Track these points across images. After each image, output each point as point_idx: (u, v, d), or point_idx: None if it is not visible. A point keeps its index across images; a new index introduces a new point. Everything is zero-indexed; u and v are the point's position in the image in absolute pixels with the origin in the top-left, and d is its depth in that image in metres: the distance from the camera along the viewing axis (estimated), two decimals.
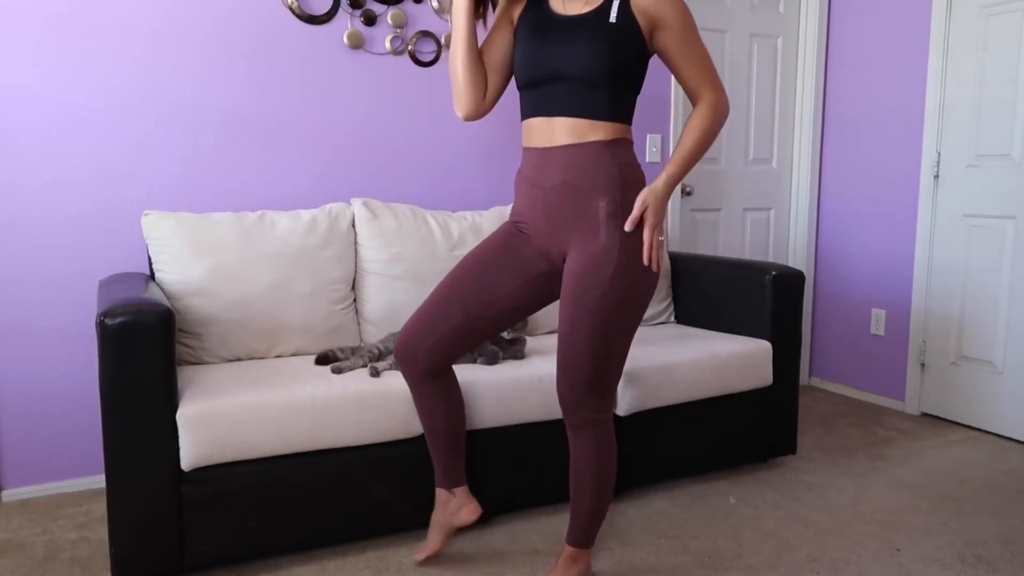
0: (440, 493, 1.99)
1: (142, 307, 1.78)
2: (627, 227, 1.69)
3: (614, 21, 1.65)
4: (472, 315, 1.81)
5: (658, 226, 1.71)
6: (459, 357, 1.88)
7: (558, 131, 1.71)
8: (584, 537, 1.83)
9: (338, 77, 2.77)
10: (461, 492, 1.98)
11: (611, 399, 1.77)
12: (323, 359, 2.28)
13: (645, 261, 1.71)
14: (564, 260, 1.77)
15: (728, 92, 3.59)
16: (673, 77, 1.78)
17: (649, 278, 1.73)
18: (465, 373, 2.17)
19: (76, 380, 2.50)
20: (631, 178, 1.72)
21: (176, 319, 1.90)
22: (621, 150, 1.72)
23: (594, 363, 1.70)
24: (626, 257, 1.68)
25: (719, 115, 1.72)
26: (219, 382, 2.03)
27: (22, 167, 2.39)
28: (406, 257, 2.56)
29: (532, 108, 1.75)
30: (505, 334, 2.30)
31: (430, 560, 2.02)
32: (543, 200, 1.74)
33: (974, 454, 2.90)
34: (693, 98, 1.74)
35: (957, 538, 2.20)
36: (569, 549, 1.84)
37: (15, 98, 2.36)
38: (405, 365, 1.88)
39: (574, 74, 1.66)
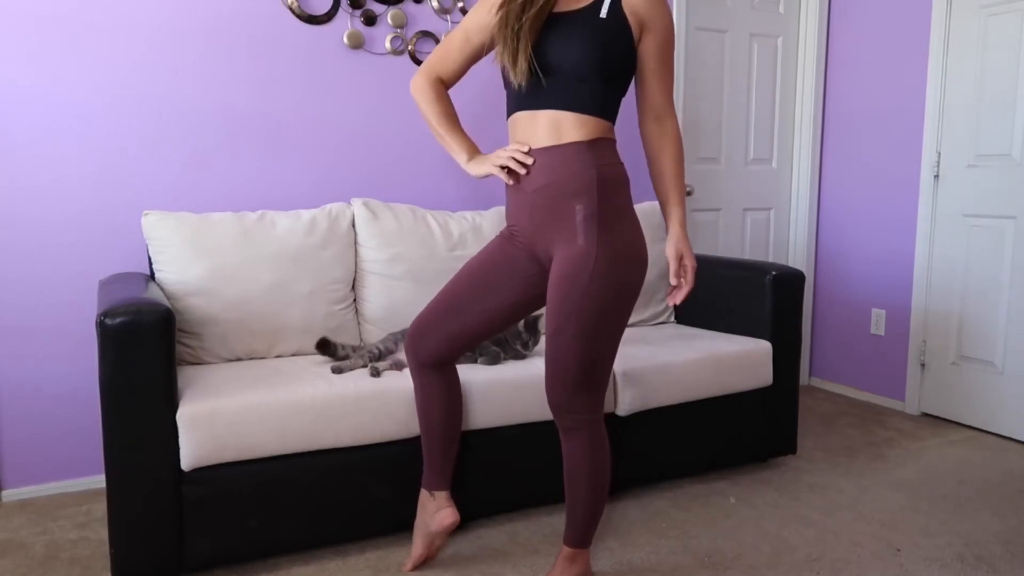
0: (422, 495, 2.00)
1: (142, 307, 1.78)
2: (677, 298, 1.79)
3: (604, 17, 1.67)
4: (473, 319, 1.85)
5: (694, 268, 1.80)
6: (462, 354, 1.92)
7: (540, 127, 1.71)
8: (581, 537, 1.83)
9: (338, 77, 2.77)
10: (441, 496, 1.98)
11: (600, 400, 1.77)
12: (323, 344, 2.29)
13: (676, 301, 1.80)
14: (551, 262, 1.78)
15: (728, 92, 3.60)
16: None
17: (635, 277, 1.73)
18: (466, 373, 2.17)
19: (76, 380, 2.51)
20: (609, 178, 1.71)
21: (176, 319, 1.89)
22: (601, 150, 1.72)
23: (581, 365, 1.70)
24: (606, 259, 1.68)
25: (681, 141, 1.81)
26: (219, 382, 2.03)
27: (22, 167, 2.39)
28: (406, 257, 2.56)
29: (518, 103, 1.75)
30: (521, 327, 2.34)
31: (419, 568, 2.02)
32: (527, 203, 1.76)
33: (974, 454, 2.90)
34: (655, 116, 1.78)
35: (957, 538, 2.20)
36: (567, 549, 1.84)
37: (15, 98, 2.36)
38: (411, 354, 1.92)
39: (563, 67, 1.67)
